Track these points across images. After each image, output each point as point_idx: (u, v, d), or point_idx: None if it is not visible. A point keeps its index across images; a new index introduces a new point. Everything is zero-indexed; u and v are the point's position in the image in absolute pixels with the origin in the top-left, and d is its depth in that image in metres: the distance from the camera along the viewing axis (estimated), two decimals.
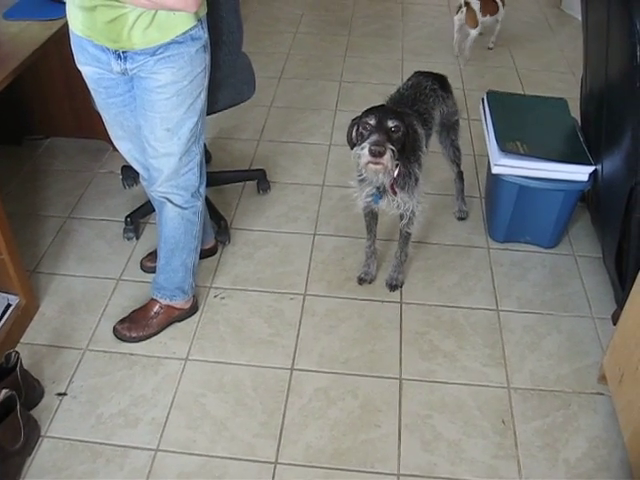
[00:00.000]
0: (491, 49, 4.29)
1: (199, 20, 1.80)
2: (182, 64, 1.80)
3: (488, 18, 4.02)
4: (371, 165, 1.96)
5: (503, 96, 2.87)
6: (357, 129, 2.03)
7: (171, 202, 2.07)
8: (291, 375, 2.18)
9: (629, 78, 2.02)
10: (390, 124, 1.97)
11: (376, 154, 1.91)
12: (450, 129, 2.61)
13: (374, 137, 1.93)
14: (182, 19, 1.74)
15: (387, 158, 1.93)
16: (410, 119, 2.12)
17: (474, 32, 3.98)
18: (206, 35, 1.85)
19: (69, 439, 1.96)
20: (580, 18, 2.64)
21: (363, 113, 2.03)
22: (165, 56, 1.77)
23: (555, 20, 4.75)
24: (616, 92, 2.25)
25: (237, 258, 2.62)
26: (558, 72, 4.02)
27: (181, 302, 2.29)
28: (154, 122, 1.89)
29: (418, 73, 2.56)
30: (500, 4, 4.07)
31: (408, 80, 2.54)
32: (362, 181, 2.21)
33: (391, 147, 1.94)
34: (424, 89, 2.44)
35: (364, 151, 1.94)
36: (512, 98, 2.96)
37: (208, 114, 2.08)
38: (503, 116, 2.67)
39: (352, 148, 2.07)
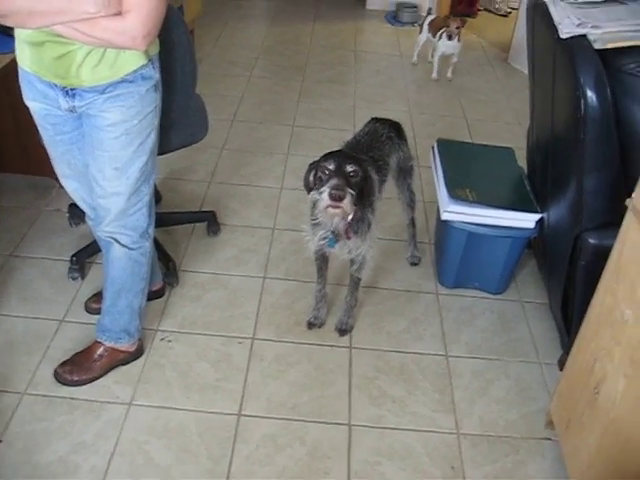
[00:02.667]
0: (450, 80, 4.63)
1: (150, 59, 1.79)
2: (132, 103, 1.79)
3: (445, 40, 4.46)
4: (330, 209, 1.96)
5: (453, 144, 2.94)
6: (315, 173, 2.04)
7: (118, 242, 2.04)
8: (238, 421, 2.15)
9: (574, 130, 2.09)
10: (349, 169, 1.99)
11: (336, 198, 1.92)
12: (406, 174, 2.66)
13: (334, 181, 1.94)
14: (132, 57, 1.73)
15: (346, 202, 1.94)
16: (366, 165, 2.15)
17: (437, 42, 4.44)
18: (157, 75, 1.84)
19: None
20: (526, 72, 2.73)
21: (322, 158, 2.04)
22: (114, 95, 1.76)
23: (502, 73, 4.93)
24: (561, 143, 2.31)
25: (185, 300, 2.59)
26: (505, 122, 4.15)
27: (126, 345, 2.24)
28: (103, 161, 1.87)
29: (375, 120, 2.60)
30: (457, 35, 4.43)
31: (365, 126, 2.58)
32: (316, 225, 2.22)
33: (350, 191, 1.95)
34: (380, 136, 2.49)
35: (323, 195, 1.94)
36: (461, 146, 3.04)
37: (160, 154, 2.07)
38: (453, 164, 2.72)
39: (309, 192, 2.09)
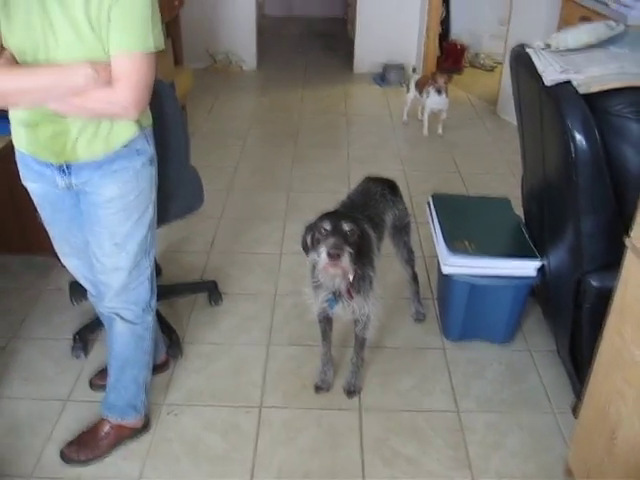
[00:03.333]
0: (442, 136, 4.67)
1: (143, 130, 1.83)
2: (127, 178, 1.81)
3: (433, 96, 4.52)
4: (329, 268, 1.97)
5: (448, 198, 2.96)
6: (312, 235, 2.05)
7: (121, 317, 2.04)
8: None
9: (566, 173, 2.11)
10: (346, 227, 1.99)
11: (334, 257, 1.92)
12: (402, 231, 2.66)
13: (331, 240, 1.95)
14: (125, 128, 1.76)
15: (345, 260, 1.94)
16: (362, 223, 2.16)
17: (425, 99, 4.52)
18: (152, 149, 1.88)
19: None
20: (515, 122, 2.77)
21: (318, 219, 2.05)
22: (111, 171, 1.79)
23: (492, 125, 5.01)
24: (555, 188, 2.33)
25: (190, 372, 2.56)
26: (499, 174, 4.19)
27: (133, 421, 2.22)
28: (102, 237, 1.88)
29: (368, 179, 2.64)
30: (445, 89, 4.48)
31: (358, 186, 2.61)
32: (318, 287, 2.21)
33: (349, 249, 1.95)
34: (374, 194, 2.51)
35: (322, 255, 1.94)
36: (457, 199, 3.05)
37: (157, 226, 2.09)
38: (449, 217, 2.74)
39: (307, 254, 2.09)
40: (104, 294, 2.00)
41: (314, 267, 2.12)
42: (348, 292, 2.17)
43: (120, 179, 1.80)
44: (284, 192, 3.95)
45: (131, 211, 1.86)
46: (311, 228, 2.07)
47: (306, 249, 2.11)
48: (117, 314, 2.04)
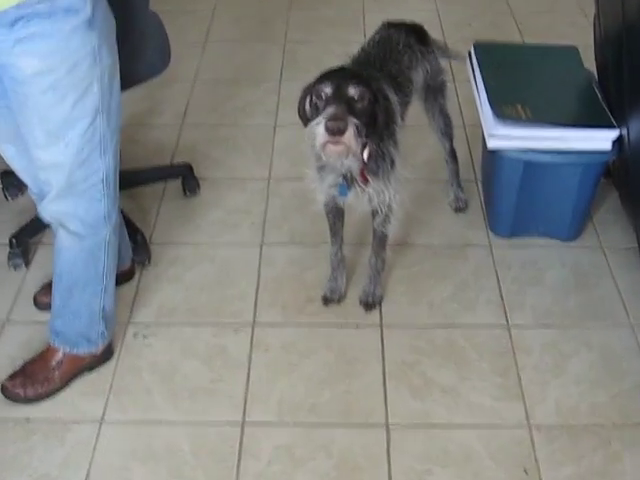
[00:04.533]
0: None
1: None
2: (53, 47, 1.74)
3: None
4: (330, 146, 1.93)
5: (496, 48, 2.89)
6: (310, 99, 2.03)
7: (65, 228, 2.04)
8: (242, 432, 2.14)
9: None
10: (352, 91, 1.95)
11: (335, 131, 1.88)
12: (437, 92, 2.63)
13: (331, 109, 1.91)
14: None
15: (349, 136, 1.90)
16: (379, 84, 2.12)
17: None
18: (89, 6, 1.76)
19: None
20: None
21: (317, 79, 2.02)
22: (27, 35, 1.70)
23: None
24: (638, 32, 2.26)
25: (161, 282, 2.58)
26: (566, 13, 4.07)
27: (88, 350, 2.24)
28: (32, 122, 1.84)
29: (388, 25, 2.57)
30: None
31: (375, 34, 2.55)
32: (322, 169, 2.21)
33: (354, 121, 1.91)
34: (396, 45, 2.46)
35: (319, 128, 1.91)
36: (508, 49, 2.97)
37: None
38: (497, 73, 2.68)
39: (306, 125, 2.06)
40: (45, 193, 2.00)
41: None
42: (362, 175, 2.16)
43: (42, 47, 1.73)
44: (278, 44, 3.88)
45: (64, 91, 1.80)
46: (309, 91, 2.04)
47: (304, 118, 2.08)
48: (61, 223, 2.03)
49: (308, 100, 2.05)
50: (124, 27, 2.16)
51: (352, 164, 2.13)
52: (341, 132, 1.90)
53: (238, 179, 3.01)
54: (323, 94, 1.97)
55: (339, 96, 1.95)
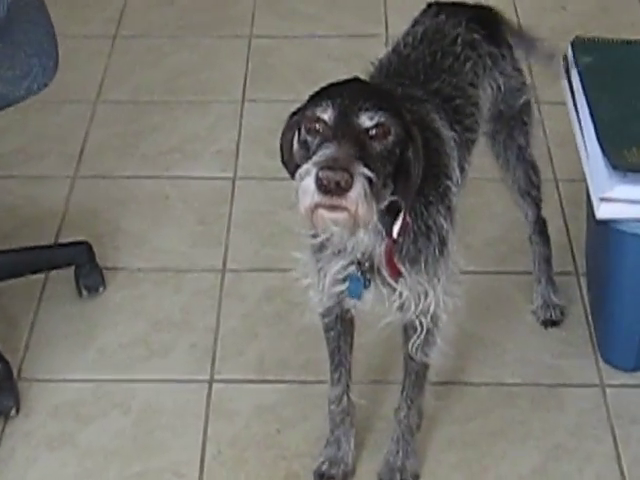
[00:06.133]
0: None
1: None
2: None
3: None
4: (322, 213, 1.51)
5: (609, 47, 2.39)
6: (299, 133, 1.67)
7: None
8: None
9: None
10: (366, 121, 1.54)
11: (331, 188, 1.47)
12: (515, 124, 2.15)
13: (328, 150, 1.51)
14: None
15: (356, 196, 1.48)
16: (420, 110, 1.74)
17: None
18: None
19: None
20: None
21: (311, 98, 1.63)
22: None
23: None
24: None
25: (38, 450, 2.01)
26: None
27: None
28: None
29: (437, 7, 2.11)
30: None
31: (416, 24, 2.08)
32: (322, 250, 1.79)
33: (365, 172, 1.48)
34: (453, 43, 2.01)
35: (306, 182, 1.50)
36: (629, 50, 2.47)
37: None
38: (612, 91, 2.20)
39: (293, 175, 1.63)
40: None
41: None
42: (390, 262, 1.74)
43: None
44: (239, 38, 3.29)
45: None
46: (299, 119, 1.66)
47: (290, 164, 1.69)
48: None
49: (296, 134, 1.68)
50: None
51: (373, 243, 1.72)
52: (342, 190, 1.49)
53: (170, 270, 2.44)
54: (318, 124, 1.59)
55: (343, 128, 1.55)
